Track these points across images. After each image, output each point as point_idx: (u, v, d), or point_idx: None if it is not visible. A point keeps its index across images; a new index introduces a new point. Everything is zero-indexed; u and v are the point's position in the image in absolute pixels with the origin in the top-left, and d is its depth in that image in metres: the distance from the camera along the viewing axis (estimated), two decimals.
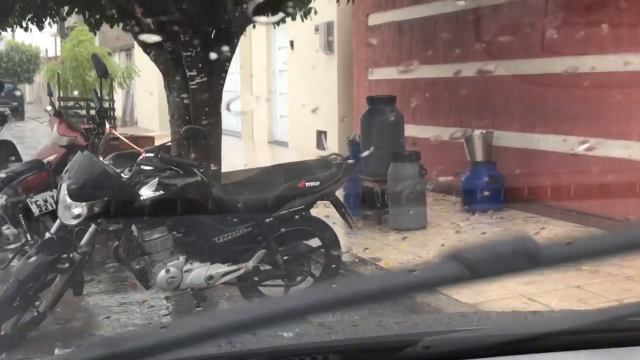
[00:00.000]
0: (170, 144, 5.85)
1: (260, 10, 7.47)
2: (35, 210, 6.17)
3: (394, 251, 6.62)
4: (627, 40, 6.85)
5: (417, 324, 1.37)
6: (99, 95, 6.16)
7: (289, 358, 1.08)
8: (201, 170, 5.57)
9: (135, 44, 8.59)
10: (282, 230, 5.01)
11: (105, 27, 8.83)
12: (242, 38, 7.77)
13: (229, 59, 7.38)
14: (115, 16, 7.94)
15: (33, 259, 4.73)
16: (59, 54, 25.81)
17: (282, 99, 15.01)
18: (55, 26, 9.92)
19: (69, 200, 4.55)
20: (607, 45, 6.90)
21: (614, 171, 6.85)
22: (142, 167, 4.67)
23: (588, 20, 6.87)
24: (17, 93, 7.14)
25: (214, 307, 5.43)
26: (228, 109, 14.03)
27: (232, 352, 1.12)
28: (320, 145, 12.48)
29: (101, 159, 4.80)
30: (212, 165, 7.16)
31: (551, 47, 7.01)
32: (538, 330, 1.28)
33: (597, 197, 6.88)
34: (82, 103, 14.51)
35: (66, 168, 4.87)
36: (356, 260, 6.38)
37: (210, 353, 1.11)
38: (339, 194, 5.61)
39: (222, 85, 7.37)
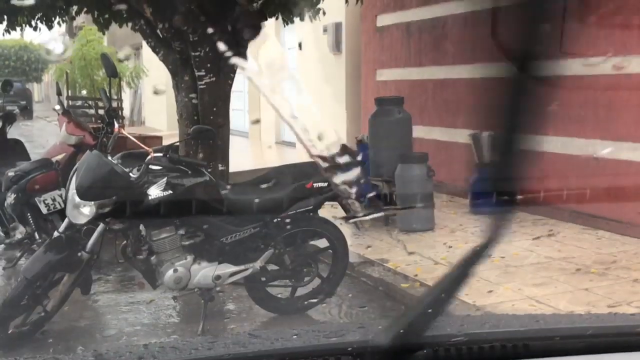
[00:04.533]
0: (178, 143, 5.85)
1: (269, 11, 7.48)
2: (43, 209, 6.18)
3: (402, 252, 6.60)
4: (638, 42, 6.83)
5: (427, 326, 1.36)
6: (108, 94, 6.16)
7: None
8: (209, 170, 5.58)
9: (144, 43, 8.61)
10: (290, 230, 5.01)
11: (113, 26, 8.84)
12: None
13: None
14: (124, 15, 7.95)
15: (41, 257, 4.74)
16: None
17: None
18: (64, 25, 9.92)
19: (77, 199, 4.55)
20: (618, 47, 6.87)
21: (623, 174, 6.83)
22: (150, 166, 4.67)
23: (602, 22, 6.85)
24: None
25: (220, 308, 5.44)
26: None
27: (244, 353, 1.11)
28: None
29: (110, 158, 4.81)
30: (220, 165, 7.17)
31: (563, 49, 6.98)
32: (548, 334, 1.27)
33: (606, 199, 6.86)
34: (90, 102, 14.54)
35: (75, 167, 4.88)
36: (363, 261, 6.37)
37: (220, 354, 1.10)
38: None
39: (231, 85, 7.38)
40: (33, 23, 8.47)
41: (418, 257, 6.41)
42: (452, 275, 1.12)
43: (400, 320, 1.17)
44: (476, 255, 1.07)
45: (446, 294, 1.11)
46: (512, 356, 1.18)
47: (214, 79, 7.09)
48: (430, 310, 1.11)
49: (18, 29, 8.90)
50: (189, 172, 4.77)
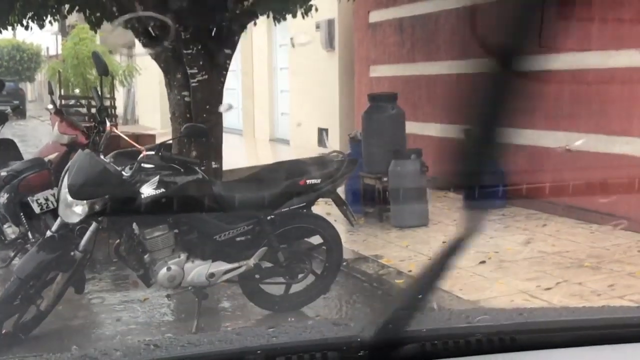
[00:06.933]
0: (171, 141, 5.84)
1: (261, 8, 7.47)
2: (36, 209, 6.17)
3: (396, 248, 6.61)
4: (629, 36, 6.84)
5: (416, 321, 1.36)
6: (100, 93, 6.15)
7: (287, 355, 1.08)
8: (202, 168, 5.57)
9: (137, 42, 8.58)
10: (284, 227, 5.00)
11: (106, 25, 8.82)
12: (242, 35, 7.77)
13: (230, 57, 7.38)
14: (116, 14, 7.93)
15: (34, 257, 4.73)
16: (60, 52, 25.80)
17: (283, 97, 15.00)
18: (56, 24, 9.89)
19: (70, 198, 4.54)
20: (608, 42, 6.88)
21: (615, 167, 6.84)
22: (143, 165, 4.66)
23: (588, 15, 6.85)
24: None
25: (214, 306, 5.43)
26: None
27: (230, 350, 1.11)
28: (321, 142, 12.48)
29: (102, 157, 4.80)
30: (213, 162, 7.16)
31: (550, 43, 6.98)
32: (535, 327, 1.27)
33: (599, 193, 6.87)
34: (83, 101, 14.51)
35: (67, 166, 4.87)
36: (358, 257, 6.37)
37: (206, 351, 1.10)
38: (340, 191, 5.61)
39: (223, 83, 7.37)
40: (25, 22, 8.44)
41: (412, 252, 6.41)
42: (431, 269, 1.12)
43: (385, 314, 1.17)
44: (454, 248, 1.07)
45: (427, 288, 1.12)
46: (498, 350, 1.18)
47: (206, 76, 7.08)
48: (413, 304, 1.11)
49: (10, 28, 8.86)
50: (182, 170, 4.76)
